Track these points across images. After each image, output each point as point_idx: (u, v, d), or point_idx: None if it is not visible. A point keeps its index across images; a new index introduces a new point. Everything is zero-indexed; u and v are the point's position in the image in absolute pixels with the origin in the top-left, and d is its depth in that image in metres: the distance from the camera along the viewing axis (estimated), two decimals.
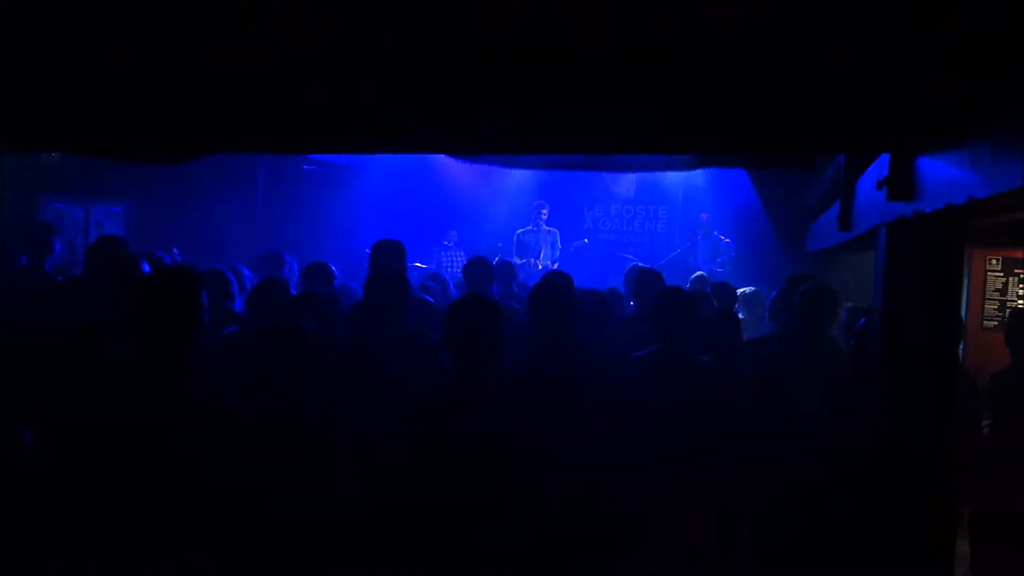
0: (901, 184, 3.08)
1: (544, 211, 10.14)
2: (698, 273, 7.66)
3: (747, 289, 6.20)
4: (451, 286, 5.81)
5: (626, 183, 11.80)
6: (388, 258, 4.62)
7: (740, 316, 5.70)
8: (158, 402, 2.62)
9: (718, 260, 9.34)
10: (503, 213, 11.09)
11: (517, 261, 9.28)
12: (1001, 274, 6.03)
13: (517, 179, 11.26)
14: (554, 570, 3.00)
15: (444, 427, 2.84)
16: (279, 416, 2.89)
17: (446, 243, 10.65)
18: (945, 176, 2.60)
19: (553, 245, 10.13)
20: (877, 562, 3.20)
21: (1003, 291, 6.02)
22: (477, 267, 5.20)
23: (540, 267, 9.68)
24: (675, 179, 11.15)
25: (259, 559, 2.74)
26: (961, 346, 5.58)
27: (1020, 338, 4.26)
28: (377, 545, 2.80)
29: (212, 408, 2.70)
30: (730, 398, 3.44)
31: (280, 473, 2.77)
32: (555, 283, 3.86)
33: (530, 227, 10.14)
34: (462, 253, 10.46)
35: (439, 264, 10.20)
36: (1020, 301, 5.95)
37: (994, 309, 5.94)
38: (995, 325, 5.80)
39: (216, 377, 2.99)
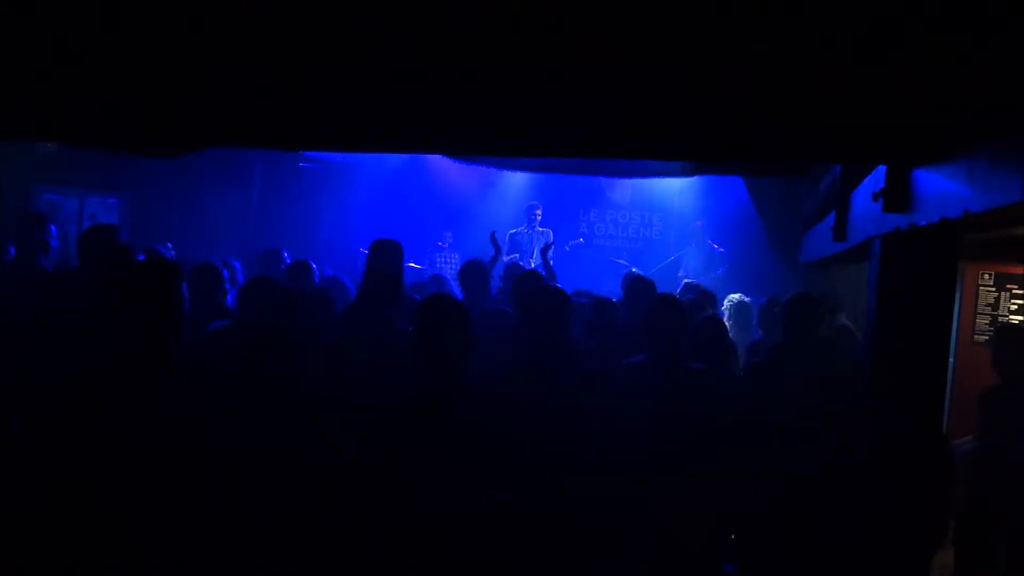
0: (897, 196, 3.09)
1: (538, 212, 10.11)
2: (688, 280, 7.66)
3: (735, 296, 6.20)
4: (451, 284, 5.78)
5: (622, 189, 11.81)
6: (386, 258, 4.61)
7: (727, 323, 5.72)
8: (143, 395, 2.62)
9: (715, 272, 9.30)
10: (499, 215, 11.07)
11: (506, 260, 9.25)
12: (993, 289, 6.05)
13: (513, 182, 11.26)
14: (542, 570, 3.00)
15: (418, 428, 2.84)
16: (265, 413, 2.88)
17: (440, 244, 10.64)
18: (941, 189, 2.61)
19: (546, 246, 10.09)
20: (864, 567, 3.21)
21: (995, 306, 6.04)
22: (471, 271, 5.19)
23: (533, 266, 9.65)
24: (671, 186, 11.16)
25: (244, 554, 2.72)
26: (952, 360, 5.61)
27: (1007, 355, 4.27)
28: (363, 544, 2.79)
29: (196, 402, 2.70)
30: (720, 404, 3.45)
31: (266, 469, 2.77)
32: (547, 287, 3.86)
33: (523, 228, 10.13)
34: (457, 255, 10.44)
35: (433, 265, 10.18)
36: (1012, 316, 5.97)
37: (985, 324, 5.97)
38: (986, 339, 5.82)
39: (201, 371, 2.98)
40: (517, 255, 9.66)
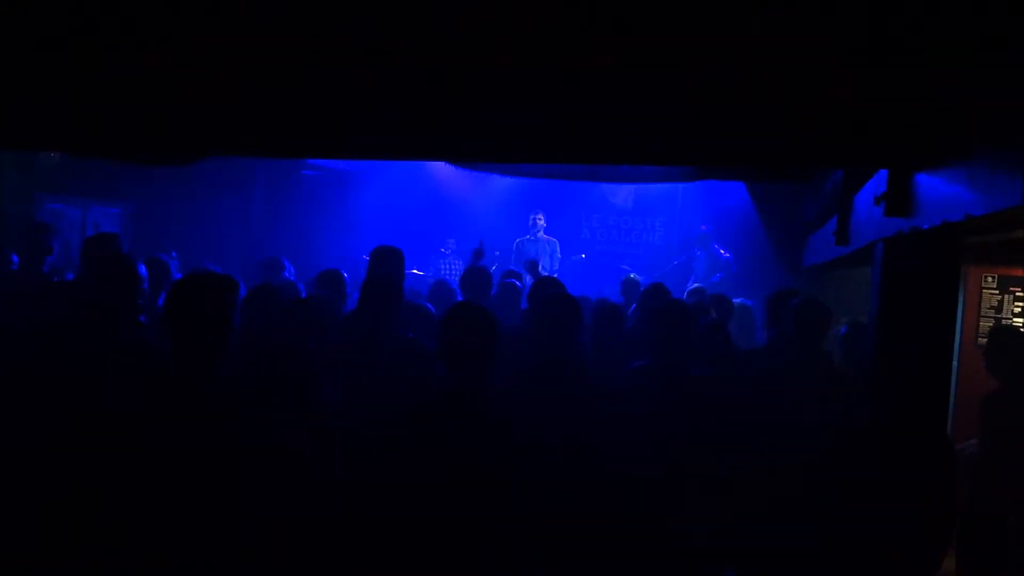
0: (899, 200, 3.09)
1: (540, 219, 10.08)
2: (695, 286, 7.65)
3: (738, 301, 6.20)
4: (458, 295, 5.79)
5: (624, 194, 11.81)
6: (386, 265, 4.62)
7: (731, 328, 5.72)
8: (188, 401, 2.67)
9: (715, 277, 9.29)
10: (501, 222, 11.08)
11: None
12: (997, 292, 6.04)
13: (515, 188, 11.26)
14: (545, 570, 3.00)
15: (438, 434, 2.84)
16: (274, 420, 2.89)
17: (443, 250, 10.64)
18: (943, 193, 2.61)
19: (552, 256, 10.07)
20: (867, 571, 3.20)
21: (998, 309, 6.03)
22: (474, 277, 5.20)
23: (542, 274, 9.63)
24: (673, 191, 11.16)
25: (255, 559, 2.73)
26: (955, 363, 5.59)
27: (1001, 358, 4.28)
28: (371, 552, 2.79)
29: (238, 409, 2.75)
30: (723, 409, 3.44)
31: (277, 476, 2.77)
32: (558, 295, 3.84)
33: (528, 236, 10.11)
34: (460, 261, 10.44)
35: (436, 272, 10.18)
36: (1016, 319, 5.96)
37: (989, 327, 5.95)
38: None
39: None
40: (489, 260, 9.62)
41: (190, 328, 2.76)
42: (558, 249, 10.17)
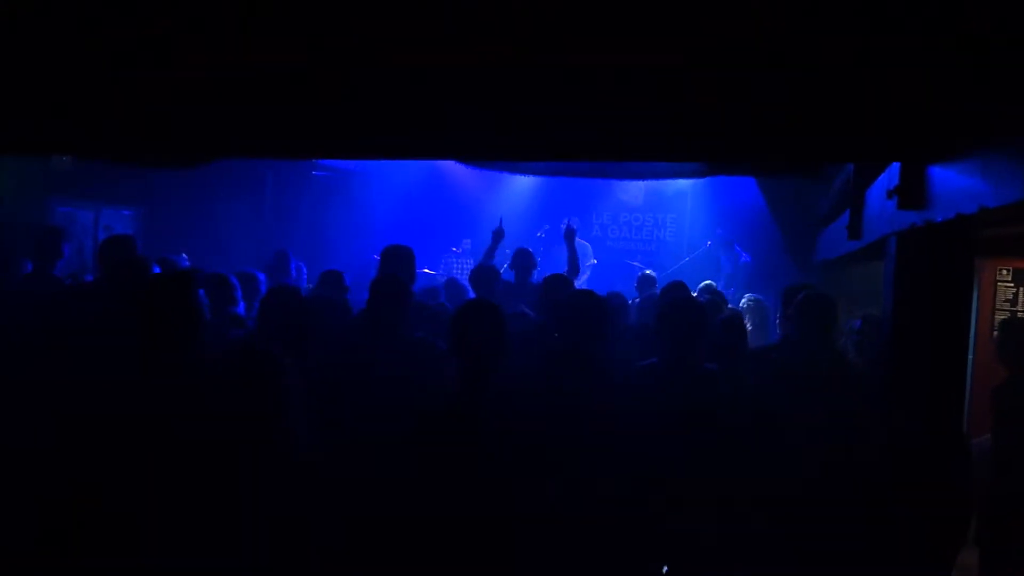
0: (912, 193, 3.06)
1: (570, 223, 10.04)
2: (706, 282, 7.61)
3: (750, 297, 6.16)
4: (470, 293, 5.79)
5: (634, 191, 11.78)
6: (396, 265, 4.62)
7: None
8: (154, 402, 2.65)
9: (731, 288, 9.19)
10: (513, 221, 11.05)
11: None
12: (1011, 285, 5.99)
13: (527, 187, 11.23)
14: (557, 568, 3.00)
15: (447, 432, 2.84)
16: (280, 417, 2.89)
17: (454, 249, 10.63)
18: (956, 185, 2.59)
19: (584, 259, 10.01)
20: (879, 569, 3.18)
21: (1013, 302, 5.99)
22: (482, 275, 5.20)
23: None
24: (683, 187, 11.12)
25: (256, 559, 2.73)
26: (971, 356, 5.55)
27: (1011, 349, 4.24)
28: (378, 551, 2.79)
29: (203, 409, 2.74)
30: (733, 406, 3.42)
31: (282, 477, 2.77)
32: (577, 293, 3.80)
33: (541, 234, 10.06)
34: (471, 261, 10.44)
35: (448, 271, 10.18)
36: None
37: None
38: None
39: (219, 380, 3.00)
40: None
41: (154, 327, 2.78)
42: (590, 251, 10.09)
